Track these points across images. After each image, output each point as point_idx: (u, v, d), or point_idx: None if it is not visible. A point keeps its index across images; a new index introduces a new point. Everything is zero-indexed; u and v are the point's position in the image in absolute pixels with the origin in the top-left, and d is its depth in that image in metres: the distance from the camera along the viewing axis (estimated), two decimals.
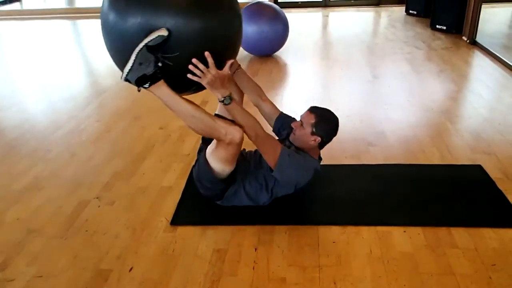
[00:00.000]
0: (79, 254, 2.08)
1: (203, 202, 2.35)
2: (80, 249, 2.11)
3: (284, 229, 2.19)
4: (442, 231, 2.13)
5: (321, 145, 2.26)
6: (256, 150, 2.44)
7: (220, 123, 2.01)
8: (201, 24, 1.84)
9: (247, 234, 2.16)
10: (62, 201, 2.49)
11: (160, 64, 1.86)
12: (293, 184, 2.27)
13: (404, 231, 2.14)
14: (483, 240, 2.07)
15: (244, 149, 2.50)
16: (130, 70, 1.86)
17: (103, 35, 2.00)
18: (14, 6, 9.92)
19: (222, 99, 1.97)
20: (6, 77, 4.94)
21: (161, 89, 1.93)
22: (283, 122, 2.47)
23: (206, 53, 1.84)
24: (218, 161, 2.14)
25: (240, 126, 2.03)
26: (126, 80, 1.90)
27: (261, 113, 2.54)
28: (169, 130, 3.30)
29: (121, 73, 1.90)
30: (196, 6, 1.85)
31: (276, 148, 2.12)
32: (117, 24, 1.86)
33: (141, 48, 1.80)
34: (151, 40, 1.78)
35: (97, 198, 2.50)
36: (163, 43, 1.80)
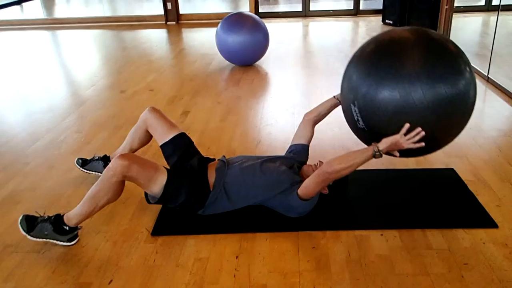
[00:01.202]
0: (57, 268, 2.06)
1: (184, 211, 2.36)
2: (58, 263, 2.10)
3: (265, 236, 2.21)
4: (417, 233, 2.18)
5: (323, 196, 2.37)
6: (244, 157, 2.47)
7: (102, 174, 2.14)
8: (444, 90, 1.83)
9: (229, 242, 2.18)
10: (76, 241, 2.46)
11: (46, 217, 2.20)
12: (292, 212, 2.31)
13: (381, 234, 2.18)
14: (456, 240, 2.12)
15: (224, 156, 2.52)
16: (57, 240, 2.18)
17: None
18: None
19: (379, 152, 1.97)
20: None
21: (70, 217, 2.19)
22: (302, 151, 2.57)
23: (422, 133, 1.86)
24: (151, 186, 2.19)
25: (348, 162, 2.04)
26: (70, 241, 2.19)
27: (300, 128, 2.64)
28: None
29: None
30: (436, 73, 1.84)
31: (323, 188, 2.24)
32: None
33: (32, 236, 2.16)
34: (22, 229, 2.15)
35: None
36: (30, 216, 2.19)
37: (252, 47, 4.96)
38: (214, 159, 2.54)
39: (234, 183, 2.31)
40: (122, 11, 10.96)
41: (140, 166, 2.12)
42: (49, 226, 2.14)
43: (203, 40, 6.69)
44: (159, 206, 2.45)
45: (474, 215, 2.31)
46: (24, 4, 11.32)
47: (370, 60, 1.98)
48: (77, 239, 2.20)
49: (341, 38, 6.47)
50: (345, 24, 7.48)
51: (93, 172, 2.76)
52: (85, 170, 2.78)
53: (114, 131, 3.53)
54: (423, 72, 1.83)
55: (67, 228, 2.16)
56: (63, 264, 2.08)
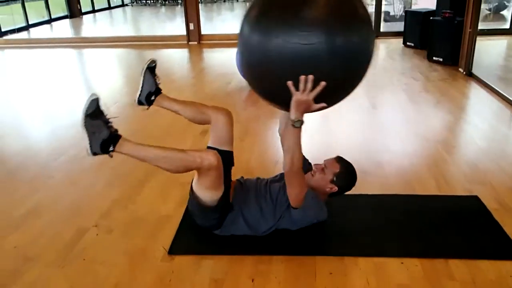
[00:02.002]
0: (75, 283, 2.08)
1: (201, 231, 2.36)
2: (77, 277, 2.11)
3: (282, 259, 2.19)
4: (439, 263, 2.13)
5: (332, 194, 2.31)
6: (258, 179, 2.47)
7: (192, 153, 2.05)
8: (343, 41, 1.75)
9: (245, 264, 2.17)
10: (60, 228, 2.50)
11: (111, 124, 1.96)
12: (300, 224, 2.29)
13: (402, 263, 2.14)
14: (481, 272, 2.06)
15: (242, 177, 2.53)
16: (90, 144, 1.97)
17: (243, 53, 1.97)
18: (22, 35, 10.12)
19: (296, 120, 1.91)
20: (10, 104, 5.01)
21: (126, 145, 2.02)
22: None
23: (322, 83, 1.77)
24: (204, 190, 2.16)
25: (286, 150, 2.03)
26: (94, 154, 1.99)
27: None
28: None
29: None
30: (338, 22, 1.76)
31: (303, 187, 2.16)
32: (260, 43, 1.80)
33: (84, 119, 1.93)
34: (87, 107, 1.92)
35: (95, 226, 2.51)
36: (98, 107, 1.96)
37: None
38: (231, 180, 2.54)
39: (251, 209, 2.31)
40: (146, 31, 11.18)
41: (218, 172, 2.10)
42: (106, 133, 1.99)
43: (223, 60, 6.77)
44: (177, 224, 2.46)
45: (500, 246, 2.24)
46: (53, 23, 11.66)
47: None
48: (96, 156, 2.06)
49: None
50: None
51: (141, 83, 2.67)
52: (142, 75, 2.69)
53: None
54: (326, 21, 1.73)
55: (111, 148, 2.02)
56: (81, 279, 2.10)
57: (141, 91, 2.61)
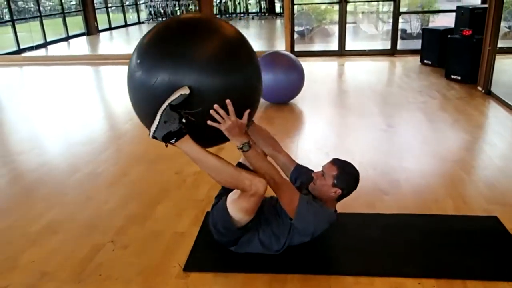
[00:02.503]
0: None
1: (216, 248, 2.35)
2: None
3: (297, 277, 2.17)
4: (457, 284, 2.09)
5: (340, 197, 2.28)
6: (271, 197, 2.46)
7: (245, 175, 2.06)
8: (222, 80, 1.92)
9: (259, 282, 2.15)
10: (76, 244, 2.51)
11: (184, 121, 1.94)
12: (310, 232, 2.26)
13: (419, 283, 2.10)
14: None
15: None
16: (156, 128, 1.96)
17: (129, 89, 2.11)
18: (40, 52, 10.33)
19: (241, 146, 2.03)
20: (27, 121, 5.08)
21: (187, 144, 2.00)
22: (300, 173, 2.50)
23: (227, 101, 1.90)
24: (238, 211, 2.16)
25: (258, 172, 2.07)
26: (154, 137, 1.99)
27: (277, 164, 2.55)
28: (184, 175, 3.34)
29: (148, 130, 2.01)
30: (217, 63, 1.93)
31: (294, 195, 2.15)
32: (144, 81, 1.96)
33: (165, 108, 1.90)
34: (174, 99, 1.87)
35: (111, 242, 2.52)
36: (186, 100, 1.87)
37: (287, 85, 5.01)
38: None
39: (263, 227, 2.30)
40: None
41: (260, 200, 2.12)
42: (176, 126, 1.94)
43: None
44: (192, 241, 2.46)
45: None
46: (70, 40, 11.88)
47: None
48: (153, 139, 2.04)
49: (377, 78, 6.46)
50: (381, 64, 7.49)
51: None
52: None
53: (150, 164, 3.59)
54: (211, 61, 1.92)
55: (173, 141, 2.00)
56: None
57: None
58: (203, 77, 1.89)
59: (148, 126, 2.01)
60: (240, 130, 2.00)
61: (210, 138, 2.07)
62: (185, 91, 1.86)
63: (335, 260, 2.28)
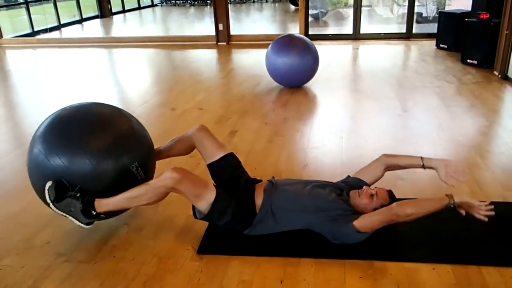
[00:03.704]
0: (106, 280, 2.11)
1: (230, 231, 2.36)
2: (107, 275, 2.14)
3: (311, 262, 2.17)
4: (472, 270, 2.07)
5: None
6: (298, 184, 2.44)
7: (153, 181, 2.19)
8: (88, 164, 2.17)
9: (273, 266, 2.15)
10: (91, 226, 2.52)
11: (78, 195, 2.12)
12: (341, 240, 2.26)
13: (433, 269, 2.09)
14: None
15: (273, 177, 2.52)
16: (77, 220, 2.18)
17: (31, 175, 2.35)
18: (54, 34, 10.35)
19: (453, 207, 2.13)
20: (43, 103, 5.12)
21: (102, 204, 2.19)
22: (357, 186, 2.49)
23: None
24: (196, 201, 2.24)
25: (421, 210, 2.11)
26: (88, 224, 2.22)
27: (371, 166, 2.58)
28: (198, 158, 3.31)
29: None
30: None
31: (383, 225, 2.20)
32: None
33: (55, 207, 2.16)
34: (49, 196, 2.13)
35: (125, 224, 2.54)
36: (62, 185, 2.15)
37: (301, 69, 4.97)
38: (261, 180, 2.54)
39: (281, 205, 2.30)
40: (175, 32, 11.28)
41: (190, 182, 2.17)
42: (79, 205, 2.14)
43: (252, 61, 6.78)
44: (206, 224, 2.47)
45: None
46: (84, 23, 11.89)
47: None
48: (91, 225, 2.26)
49: (392, 62, 6.38)
50: (396, 48, 7.39)
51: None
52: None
53: None
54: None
55: (94, 213, 2.19)
56: (110, 277, 2.12)
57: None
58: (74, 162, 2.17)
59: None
60: (466, 209, 2.16)
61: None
62: (48, 184, 2.12)
63: (349, 244, 2.27)
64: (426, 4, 9.85)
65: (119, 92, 5.69)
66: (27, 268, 2.20)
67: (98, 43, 8.89)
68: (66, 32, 10.82)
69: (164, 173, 2.15)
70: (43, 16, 11.22)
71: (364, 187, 2.35)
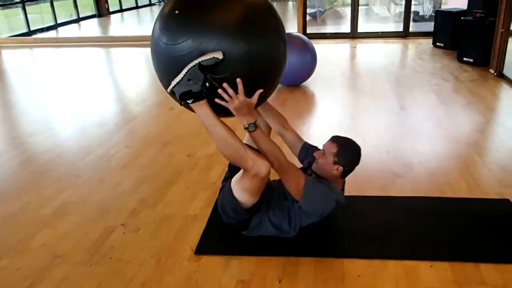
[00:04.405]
0: (103, 281, 2.09)
1: (228, 231, 2.35)
2: (104, 276, 2.13)
3: (309, 261, 2.17)
4: (470, 267, 2.08)
5: (344, 174, 2.25)
6: (279, 180, 2.45)
7: (250, 154, 2.02)
8: (248, 47, 1.89)
9: (272, 266, 2.15)
10: (88, 227, 2.53)
11: (207, 84, 1.91)
12: (319, 213, 2.25)
13: (431, 266, 2.09)
14: None
15: (269, 178, 2.51)
16: (178, 83, 1.91)
17: (153, 56, 2.07)
18: (51, 34, 10.33)
19: (247, 126, 2.01)
20: (40, 103, 5.11)
21: (203, 108, 1.97)
22: (308, 151, 2.49)
23: (238, 80, 1.88)
24: (242, 191, 2.15)
25: (263, 153, 2.05)
26: (172, 92, 1.95)
27: (285, 142, 2.57)
28: (196, 157, 3.34)
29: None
30: (243, 29, 1.90)
31: (299, 177, 2.13)
32: (167, 46, 1.92)
33: (194, 65, 1.85)
34: (205, 60, 1.83)
35: (122, 225, 2.53)
36: (214, 65, 1.85)
37: (299, 67, 4.96)
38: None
39: (274, 208, 2.29)
40: None
41: (263, 183, 2.12)
42: (198, 87, 1.90)
43: None
44: (204, 224, 2.46)
45: None
46: (81, 22, 11.86)
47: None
48: (182, 102, 2.00)
49: (390, 61, 6.38)
50: (394, 46, 7.39)
51: None
52: None
53: (162, 147, 3.59)
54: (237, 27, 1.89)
55: (190, 101, 1.94)
56: (108, 278, 2.11)
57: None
58: (231, 43, 1.85)
59: (166, 86, 1.99)
60: (248, 110, 1.97)
61: (221, 108, 2.01)
62: (219, 55, 1.83)
63: (347, 243, 2.27)
64: (423, 3, 9.86)
65: (117, 91, 5.68)
66: (24, 270, 2.19)
67: (95, 42, 8.86)
68: (63, 32, 10.79)
69: (262, 161, 2.02)
70: (39, 15, 11.20)
71: (314, 153, 2.30)
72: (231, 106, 1.94)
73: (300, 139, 2.55)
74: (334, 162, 2.19)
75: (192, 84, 1.89)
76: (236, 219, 2.28)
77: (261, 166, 2.01)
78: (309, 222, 2.30)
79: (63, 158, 3.47)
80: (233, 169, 2.40)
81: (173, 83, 1.92)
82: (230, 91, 1.90)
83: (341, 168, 2.19)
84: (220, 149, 2.07)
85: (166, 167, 3.23)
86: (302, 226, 2.30)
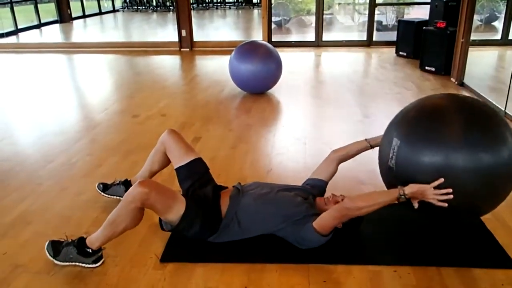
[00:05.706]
0: None
1: (193, 239, 2.33)
2: (67, 285, 2.08)
3: (275, 267, 2.17)
4: (432, 271, 2.13)
5: (336, 230, 2.24)
6: (262, 184, 2.45)
7: (123, 200, 2.11)
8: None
9: (237, 272, 2.14)
10: (50, 236, 2.44)
11: (70, 241, 2.22)
12: (306, 244, 2.25)
13: (395, 271, 2.13)
14: (473, 281, 2.06)
15: (239, 183, 2.50)
16: (83, 263, 2.17)
17: None
18: (10, 39, 10.04)
19: (403, 195, 2.03)
20: None
21: (92, 239, 2.20)
22: (319, 186, 2.55)
23: (449, 190, 1.95)
24: (167, 214, 2.19)
25: (373, 203, 2.09)
26: (94, 262, 2.19)
27: (323, 164, 2.64)
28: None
29: None
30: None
31: (340, 222, 2.18)
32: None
33: (59, 260, 2.18)
34: (49, 253, 2.19)
35: (86, 233, 2.47)
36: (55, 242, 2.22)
37: (264, 75, 5.00)
38: (227, 187, 2.52)
39: (247, 211, 2.29)
40: (137, 37, 11.14)
41: (159, 194, 2.11)
42: (73, 249, 2.14)
43: (216, 68, 6.76)
44: (168, 233, 2.43)
45: (492, 255, 2.25)
46: (43, 28, 11.58)
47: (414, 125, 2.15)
48: (102, 260, 2.19)
49: (353, 69, 6.50)
50: (357, 55, 7.54)
51: (115, 197, 2.73)
52: (107, 195, 2.75)
53: (125, 155, 3.53)
54: (465, 140, 1.94)
55: (90, 250, 2.15)
56: (71, 287, 2.06)
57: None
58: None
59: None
60: (420, 196, 2.03)
61: None
62: (46, 244, 2.20)
63: (312, 249, 2.28)
64: (386, 13, 10.12)
65: (79, 98, 5.56)
66: None
67: (57, 48, 8.67)
68: (24, 37, 10.51)
69: (131, 189, 2.10)
70: None
71: (330, 194, 2.36)
72: (426, 191, 1.99)
73: (329, 178, 2.62)
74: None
75: (73, 255, 2.17)
76: (191, 233, 2.26)
77: (136, 190, 2.07)
78: (282, 236, 2.28)
79: (23, 166, 3.37)
80: (186, 194, 2.42)
81: (85, 266, 2.17)
82: (444, 197, 1.97)
83: (340, 225, 2.23)
84: (127, 228, 2.17)
85: (129, 175, 3.16)
86: (274, 234, 2.29)
